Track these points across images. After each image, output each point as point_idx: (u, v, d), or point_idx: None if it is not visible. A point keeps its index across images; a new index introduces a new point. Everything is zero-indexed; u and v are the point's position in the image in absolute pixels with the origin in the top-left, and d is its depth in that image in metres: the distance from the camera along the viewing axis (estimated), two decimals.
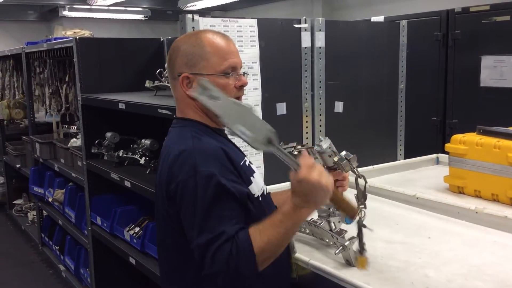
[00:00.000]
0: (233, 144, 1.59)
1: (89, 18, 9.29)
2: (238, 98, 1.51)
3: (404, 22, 2.89)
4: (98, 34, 4.72)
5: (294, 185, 1.28)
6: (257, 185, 1.49)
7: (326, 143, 1.58)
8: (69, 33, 4.42)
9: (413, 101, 3.07)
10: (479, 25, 3.30)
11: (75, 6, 8.77)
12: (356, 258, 1.51)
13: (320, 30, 2.50)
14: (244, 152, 1.62)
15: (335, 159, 1.57)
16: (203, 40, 1.47)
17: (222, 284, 1.31)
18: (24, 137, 5.01)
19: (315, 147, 1.61)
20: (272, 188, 2.07)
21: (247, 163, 1.51)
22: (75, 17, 9.07)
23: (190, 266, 1.42)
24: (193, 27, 2.07)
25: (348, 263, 1.53)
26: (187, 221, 1.36)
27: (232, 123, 1.25)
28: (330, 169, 1.65)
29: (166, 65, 2.85)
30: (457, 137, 2.17)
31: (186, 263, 1.44)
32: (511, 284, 1.41)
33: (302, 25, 2.46)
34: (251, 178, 1.47)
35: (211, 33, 1.50)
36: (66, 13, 8.73)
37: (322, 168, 1.31)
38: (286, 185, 2.22)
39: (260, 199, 1.49)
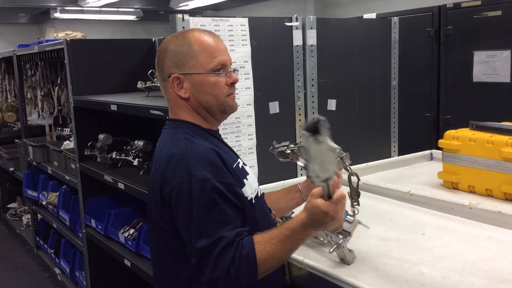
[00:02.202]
0: (227, 145, 1.58)
1: (81, 19, 9.25)
2: (230, 95, 1.50)
3: (395, 19, 2.88)
4: (90, 35, 4.69)
5: (315, 210, 1.29)
6: (251, 187, 1.48)
7: None
8: (61, 35, 4.38)
9: (406, 97, 3.07)
10: (471, 21, 3.30)
11: (66, 8, 8.72)
12: (350, 255, 1.51)
13: (311, 28, 2.49)
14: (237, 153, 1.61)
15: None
16: (190, 39, 1.46)
17: None
18: (17, 140, 4.98)
19: (291, 146, 1.60)
20: (265, 187, 2.06)
21: (240, 165, 1.50)
22: (67, 19, 9.02)
23: (183, 269, 1.41)
24: (183, 27, 2.06)
25: (343, 261, 1.53)
26: (184, 225, 1.35)
27: (312, 161, 1.25)
28: None
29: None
30: (450, 133, 2.17)
31: (179, 266, 1.43)
32: (506, 279, 1.40)
33: (294, 23, 2.45)
34: (244, 180, 1.46)
35: (198, 32, 1.49)
36: (57, 15, 8.68)
37: (345, 200, 1.33)
38: (278, 184, 2.22)
39: (254, 201, 1.48)
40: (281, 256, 1.35)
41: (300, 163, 1.31)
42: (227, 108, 1.50)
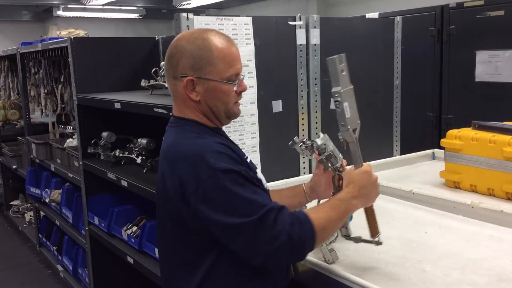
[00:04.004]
0: (233, 142, 1.60)
1: (83, 17, 9.29)
2: (237, 103, 1.52)
3: (398, 18, 2.89)
4: (93, 33, 4.71)
5: (355, 175, 1.46)
6: (262, 180, 1.52)
7: (321, 140, 1.58)
8: (64, 33, 4.41)
9: (408, 97, 3.08)
10: (473, 20, 3.30)
11: (69, 6, 8.75)
12: (331, 256, 1.53)
13: (315, 27, 2.50)
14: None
15: (323, 157, 1.58)
16: (210, 43, 1.45)
17: (277, 264, 1.37)
18: (20, 137, 4.99)
19: (307, 142, 1.62)
20: (268, 186, 2.07)
21: (248, 160, 1.53)
22: (70, 17, 9.06)
23: (200, 266, 1.42)
24: (187, 26, 2.07)
25: (325, 261, 1.53)
26: (221, 216, 1.33)
27: (344, 98, 1.44)
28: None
29: (163, 62, 2.86)
30: (452, 132, 2.18)
31: (196, 263, 1.43)
32: (508, 278, 1.42)
33: (297, 23, 2.46)
34: (256, 173, 1.50)
35: (217, 37, 1.48)
36: (60, 13, 8.72)
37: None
38: (281, 183, 2.23)
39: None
40: (335, 222, 1.42)
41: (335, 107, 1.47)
42: (232, 115, 1.53)
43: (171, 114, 1.57)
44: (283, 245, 1.30)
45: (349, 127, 1.46)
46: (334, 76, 1.46)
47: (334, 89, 1.45)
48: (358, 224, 1.57)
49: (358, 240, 1.54)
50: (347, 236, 1.55)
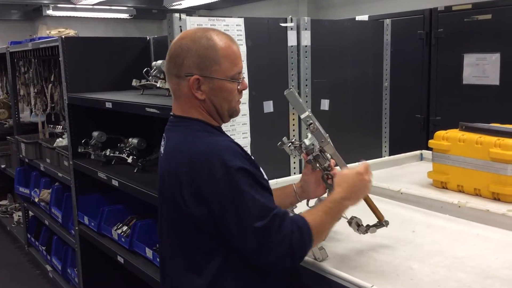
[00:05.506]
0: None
1: (73, 17, 9.25)
2: (238, 101, 1.54)
3: (388, 21, 2.93)
4: (82, 33, 4.70)
5: (349, 176, 1.54)
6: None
7: (309, 140, 1.61)
8: (54, 32, 4.39)
9: (397, 98, 3.11)
10: (461, 24, 3.35)
11: (59, 5, 8.71)
12: (321, 254, 1.56)
13: (306, 29, 2.53)
14: None
15: (311, 157, 1.61)
16: (215, 43, 1.46)
17: (278, 269, 1.44)
18: (9, 137, 4.96)
19: (296, 142, 1.65)
20: None
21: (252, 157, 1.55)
22: (59, 16, 9.01)
23: (208, 267, 1.42)
24: (180, 26, 2.09)
25: (314, 259, 1.56)
26: (232, 215, 1.35)
27: (314, 119, 1.57)
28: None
29: (155, 62, 2.86)
30: (440, 133, 2.21)
31: (205, 265, 1.43)
32: (493, 275, 1.45)
33: (288, 24, 2.48)
34: (261, 170, 1.53)
35: (220, 35, 1.49)
36: (50, 12, 8.68)
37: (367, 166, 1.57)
38: (272, 183, 2.24)
39: None
40: (329, 225, 1.49)
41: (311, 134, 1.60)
42: (234, 113, 1.56)
43: (171, 113, 1.57)
44: (284, 253, 1.36)
45: (328, 140, 1.59)
46: (298, 105, 1.61)
47: (303, 115, 1.58)
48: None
49: (374, 229, 1.65)
50: (366, 230, 1.64)
